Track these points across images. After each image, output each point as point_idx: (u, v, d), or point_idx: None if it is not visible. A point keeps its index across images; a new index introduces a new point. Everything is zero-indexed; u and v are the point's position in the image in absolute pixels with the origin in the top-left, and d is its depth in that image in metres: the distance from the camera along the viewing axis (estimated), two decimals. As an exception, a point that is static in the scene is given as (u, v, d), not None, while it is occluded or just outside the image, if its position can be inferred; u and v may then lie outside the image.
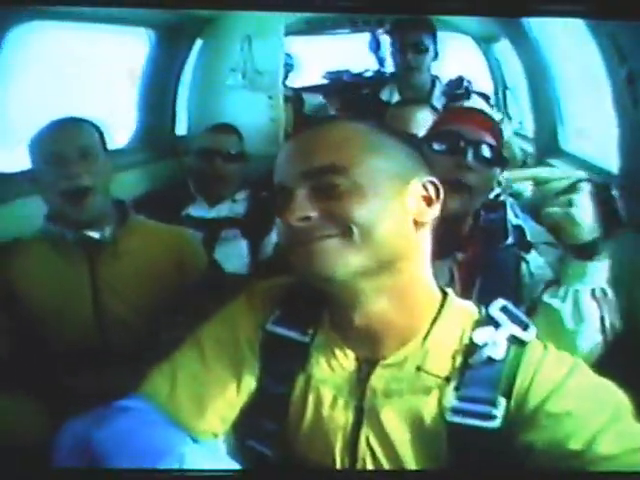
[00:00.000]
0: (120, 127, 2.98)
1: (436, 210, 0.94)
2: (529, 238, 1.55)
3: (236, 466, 0.92)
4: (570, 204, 1.25)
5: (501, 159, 1.55)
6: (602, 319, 1.21)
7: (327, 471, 0.93)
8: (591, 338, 1.25)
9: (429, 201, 0.94)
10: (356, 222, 0.86)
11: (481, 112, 1.80)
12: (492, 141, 1.52)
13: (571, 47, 2.49)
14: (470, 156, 1.48)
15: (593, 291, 1.27)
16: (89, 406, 1.31)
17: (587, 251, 1.26)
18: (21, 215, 1.89)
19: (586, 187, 1.29)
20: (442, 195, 0.95)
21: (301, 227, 0.87)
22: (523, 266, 1.50)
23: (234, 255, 2.36)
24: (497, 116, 2.50)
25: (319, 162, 0.88)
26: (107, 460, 0.89)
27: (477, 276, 1.47)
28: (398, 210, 0.90)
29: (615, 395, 0.88)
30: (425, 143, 1.50)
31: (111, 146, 1.78)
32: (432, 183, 0.95)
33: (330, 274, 0.87)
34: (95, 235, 1.67)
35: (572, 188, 1.30)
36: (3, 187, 1.94)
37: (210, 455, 0.91)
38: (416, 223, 0.92)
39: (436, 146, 1.49)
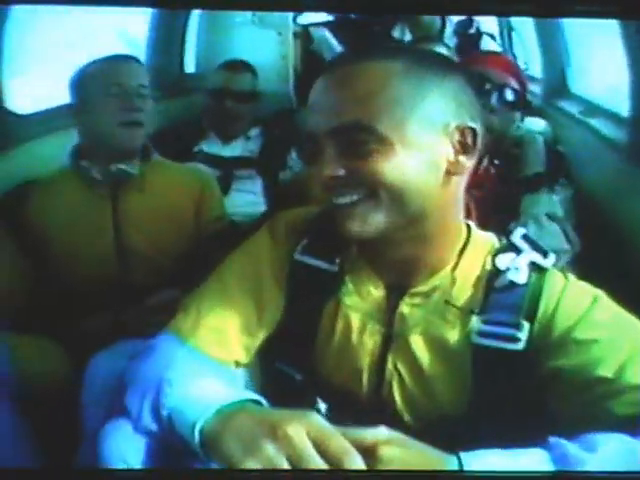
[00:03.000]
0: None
1: (473, 159, 0.92)
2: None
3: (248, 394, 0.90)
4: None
5: (524, 103, 1.63)
6: (564, 232, 1.29)
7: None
8: (560, 247, 1.42)
9: (465, 148, 0.91)
10: (383, 184, 0.87)
11: (507, 57, 1.88)
12: (517, 85, 1.62)
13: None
14: (494, 99, 1.58)
15: (548, 214, 1.50)
16: (112, 344, 1.37)
17: (533, 184, 1.56)
18: (43, 154, 1.91)
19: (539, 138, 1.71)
20: (479, 143, 0.92)
21: (330, 185, 0.89)
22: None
23: (249, 193, 2.39)
24: None
25: (345, 118, 0.87)
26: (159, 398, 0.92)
27: (492, 213, 1.55)
28: (430, 163, 0.89)
29: (637, 327, 0.91)
30: None
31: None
32: (471, 129, 0.91)
33: (358, 234, 0.90)
34: (129, 169, 1.68)
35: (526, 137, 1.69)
36: (19, 127, 1.95)
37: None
38: (449, 173, 0.91)
39: None
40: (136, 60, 1.73)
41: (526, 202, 1.60)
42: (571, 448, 0.80)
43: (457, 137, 0.90)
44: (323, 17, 3.48)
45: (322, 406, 0.89)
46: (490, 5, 1.15)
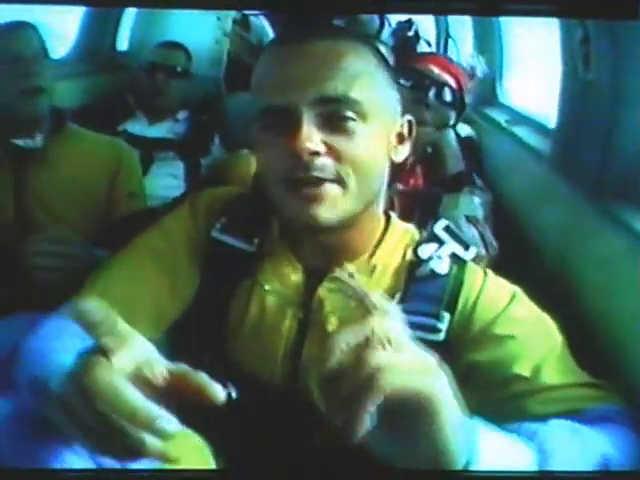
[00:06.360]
0: (62, 36, 2.88)
1: (407, 149, 0.96)
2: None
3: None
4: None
5: (460, 104, 1.66)
6: (482, 236, 1.30)
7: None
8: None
9: (402, 139, 0.95)
10: (357, 167, 0.86)
11: (447, 58, 1.93)
12: (455, 85, 1.68)
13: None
14: (432, 95, 1.63)
15: (467, 217, 1.47)
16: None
17: (454, 184, 1.58)
18: None
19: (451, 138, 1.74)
20: (414, 134, 0.96)
21: (306, 162, 0.84)
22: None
23: (169, 176, 2.36)
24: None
25: (330, 90, 0.84)
26: (32, 370, 0.83)
27: (415, 208, 1.56)
28: (385, 149, 0.92)
29: (552, 327, 0.92)
30: None
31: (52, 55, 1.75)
32: (409, 121, 0.96)
33: (326, 221, 0.87)
34: (24, 143, 1.63)
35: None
36: None
37: None
38: (389, 161, 0.93)
39: (402, 81, 1.61)
40: (29, 26, 1.66)
41: (446, 203, 1.60)
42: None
43: (398, 128, 0.94)
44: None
45: (233, 392, 0.84)
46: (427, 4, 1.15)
